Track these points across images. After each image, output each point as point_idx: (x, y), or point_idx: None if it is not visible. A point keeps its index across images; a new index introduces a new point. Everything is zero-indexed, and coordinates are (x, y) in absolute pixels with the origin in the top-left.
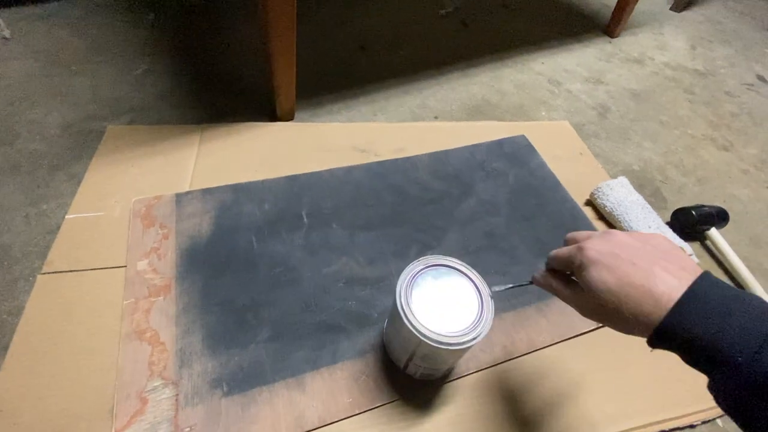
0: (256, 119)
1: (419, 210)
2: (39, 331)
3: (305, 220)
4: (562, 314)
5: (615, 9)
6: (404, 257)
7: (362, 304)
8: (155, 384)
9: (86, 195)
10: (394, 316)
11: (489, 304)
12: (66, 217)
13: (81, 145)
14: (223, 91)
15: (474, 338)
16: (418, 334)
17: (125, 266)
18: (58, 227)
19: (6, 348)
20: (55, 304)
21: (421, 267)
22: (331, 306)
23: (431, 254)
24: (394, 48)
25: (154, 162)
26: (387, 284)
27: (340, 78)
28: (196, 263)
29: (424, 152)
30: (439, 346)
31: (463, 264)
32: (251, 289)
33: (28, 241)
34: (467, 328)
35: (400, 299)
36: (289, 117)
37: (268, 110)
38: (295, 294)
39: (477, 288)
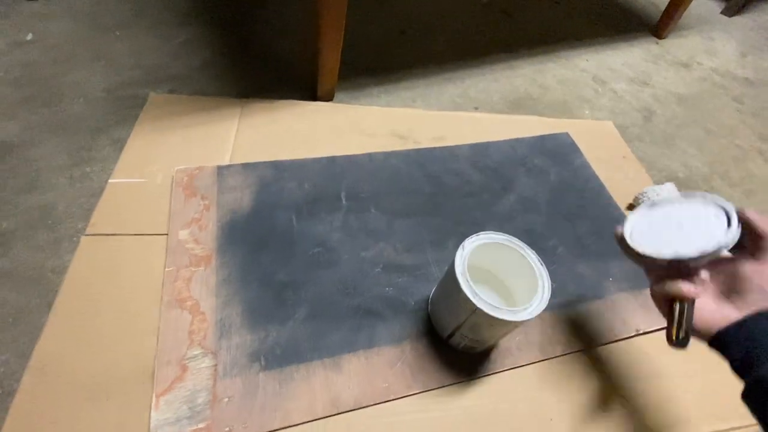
0: (295, 97)
1: (457, 201)
2: (82, 292)
3: (344, 202)
4: (602, 319)
5: (665, 10)
6: (442, 248)
7: (399, 290)
8: (195, 353)
9: (129, 161)
10: (448, 281)
11: (548, 284)
12: (109, 181)
13: (123, 110)
14: (263, 67)
15: (530, 313)
16: (474, 302)
17: (167, 234)
18: (101, 190)
19: (50, 306)
20: (98, 266)
21: (483, 241)
22: (368, 290)
23: (479, 233)
24: (434, 34)
25: (195, 132)
26: (424, 273)
27: (380, 62)
28: (236, 237)
29: (464, 143)
30: (495, 315)
31: (524, 244)
32: (290, 267)
33: (72, 202)
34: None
35: (460, 267)
36: (329, 97)
37: (307, 89)
38: (332, 275)
39: (535, 268)
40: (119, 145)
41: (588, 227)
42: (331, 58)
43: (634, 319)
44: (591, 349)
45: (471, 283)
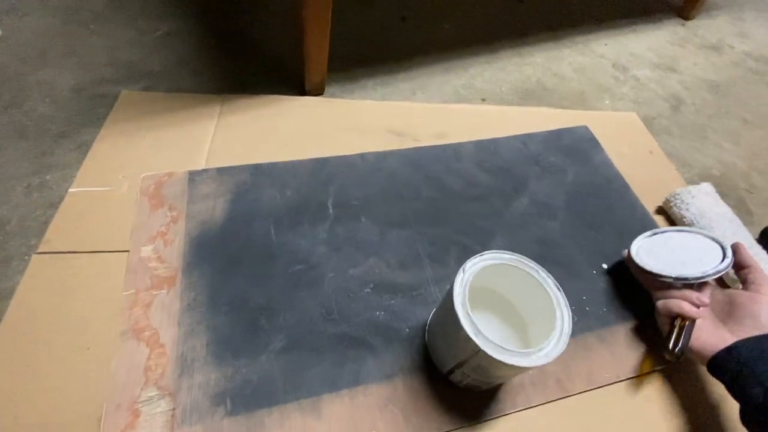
0: (283, 92)
1: (462, 207)
2: (27, 321)
3: (331, 210)
4: (628, 346)
5: None
6: (442, 262)
7: (392, 315)
8: (150, 394)
9: (92, 167)
10: (446, 312)
11: (567, 318)
12: (69, 190)
13: (92, 110)
14: (248, 60)
15: (546, 356)
16: (477, 342)
17: (128, 251)
18: (61, 201)
19: None
20: (49, 290)
21: (487, 262)
22: (355, 315)
23: (484, 253)
24: (438, 20)
25: (168, 134)
26: (421, 294)
27: (377, 51)
28: (206, 253)
29: (468, 139)
30: (503, 360)
31: (538, 266)
32: (266, 287)
33: (27, 215)
34: (538, 342)
35: (459, 297)
36: (318, 91)
37: (296, 83)
38: (315, 297)
39: (553, 296)
40: (85, 149)
41: (611, 235)
42: (317, 48)
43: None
44: (620, 383)
45: (473, 318)
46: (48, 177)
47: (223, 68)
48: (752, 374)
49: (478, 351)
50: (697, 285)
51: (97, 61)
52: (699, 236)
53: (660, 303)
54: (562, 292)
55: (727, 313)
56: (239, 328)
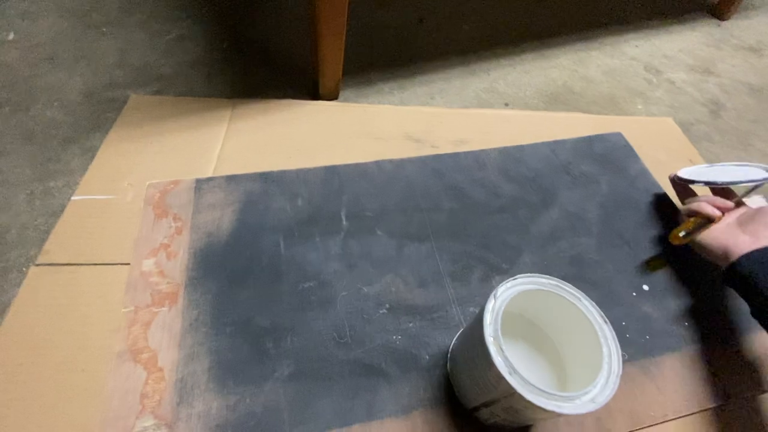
0: (295, 96)
1: (485, 220)
2: (22, 338)
3: (344, 222)
4: (677, 380)
5: None
6: (464, 281)
7: (410, 340)
8: (146, 424)
9: (97, 174)
10: (474, 343)
11: (617, 356)
12: (72, 198)
13: (101, 114)
14: (261, 63)
15: (593, 402)
16: (511, 383)
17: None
18: (63, 209)
19: None
20: (46, 305)
21: (523, 287)
22: (369, 339)
23: (518, 276)
24: (458, 21)
25: (177, 139)
26: (442, 316)
27: (394, 54)
28: (210, 267)
29: (492, 146)
30: (542, 405)
31: (580, 293)
32: (273, 307)
33: (28, 224)
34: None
35: (491, 328)
36: (332, 96)
37: (309, 87)
38: (326, 319)
39: (598, 329)
40: (91, 155)
41: (652, 252)
42: (331, 51)
43: (722, 380)
44: (667, 423)
45: (507, 355)
46: (52, 184)
47: (235, 72)
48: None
49: (512, 393)
50: (727, 194)
51: (107, 65)
52: (748, 166)
53: (685, 202)
54: (609, 325)
55: (751, 224)
56: (244, 352)
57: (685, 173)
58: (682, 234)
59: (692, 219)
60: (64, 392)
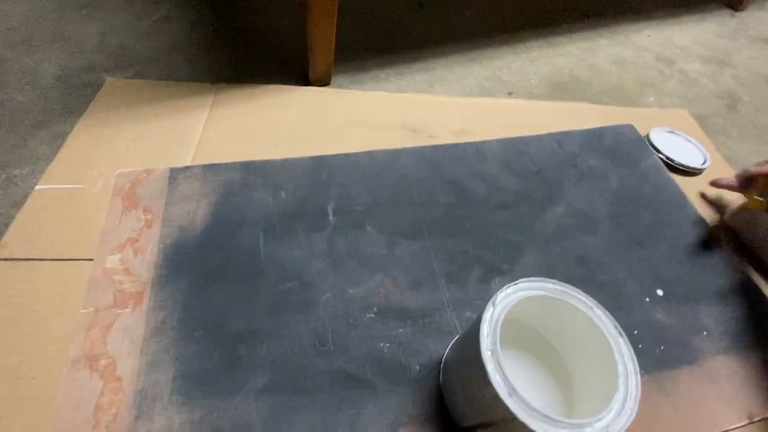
0: (284, 82)
1: (485, 216)
2: None
3: (331, 217)
4: (694, 397)
5: None
6: (461, 282)
7: (399, 348)
8: None
9: (65, 162)
10: (470, 357)
11: (635, 376)
12: (36, 187)
13: (75, 99)
14: (249, 46)
15: (605, 430)
16: (510, 408)
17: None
18: (27, 199)
19: None
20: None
21: (526, 293)
22: (354, 346)
23: (520, 281)
24: (459, 7)
25: (154, 126)
26: (435, 321)
27: (391, 39)
28: (181, 265)
29: (493, 137)
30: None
31: (593, 302)
32: (249, 310)
33: None
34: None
35: (488, 341)
36: (324, 81)
37: (299, 72)
38: (306, 323)
39: (613, 343)
40: (61, 141)
41: (664, 254)
42: (322, 33)
43: (743, 398)
44: None
45: (506, 373)
46: (16, 171)
47: (219, 55)
48: None
49: (512, 419)
50: None
51: (86, 47)
52: None
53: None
54: (626, 339)
55: None
56: (213, 360)
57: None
58: (759, 195)
59: (760, 180)
60: (11, 402)
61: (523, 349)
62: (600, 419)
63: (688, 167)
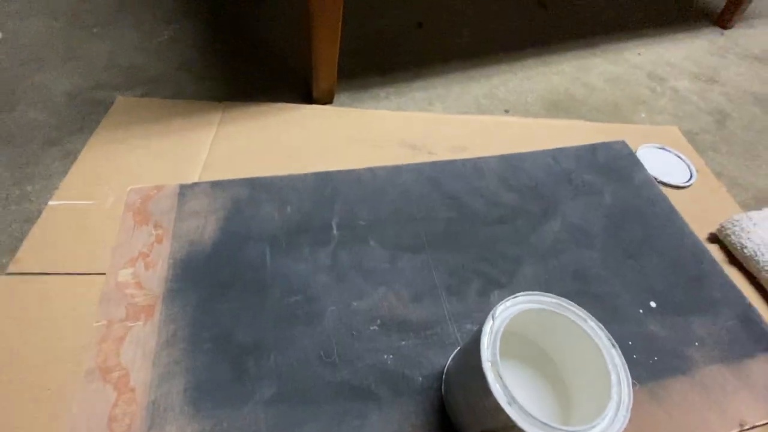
0: (288, 100)
1: (483, 231)
2: None
3: (335, 232)
4: (688, 407)
5: None
6: (461, 296)
7: (402, 360)
8: None
9: (77, 178)
10: (471, 369)
11: (627, 385)
12: (48, 203)
13: (85, 117)
14: (254, 66)
15: None
16: (510, 416)
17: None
18: (40, 214)
19: None
20: (14, 317)
21: (524, 306)
22: (359, 359)
23: (518, 294)
24: (458, 26)
25: (163, 143)
26: (437, 333)
27: (391, 58)
28: (191, 279)
29: (491, 154)
30: None
31: (587, 314)
32: (256, 322)
33: (1, 230)
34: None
35: (488, 352)
36: (327, 100)
37: (302, 90)
38: (312, 335)
39: (606, 354)
40: (72, 158)
41: (657, 266)
42: (326, 54)
43: (735, 406)
44: None
45: (506, 382)
46: (29, 188)
47: (226, 74)
48: None
49: (512, 427)
50: None
51: (96, 66)
52: None
53: None
54: (618, 350)
55: None
56: (222, 371)
57: None
58: None
59: None
60: (28, 413)
61: (522, 360)
62: (594, 426)
63: (669, 185)
